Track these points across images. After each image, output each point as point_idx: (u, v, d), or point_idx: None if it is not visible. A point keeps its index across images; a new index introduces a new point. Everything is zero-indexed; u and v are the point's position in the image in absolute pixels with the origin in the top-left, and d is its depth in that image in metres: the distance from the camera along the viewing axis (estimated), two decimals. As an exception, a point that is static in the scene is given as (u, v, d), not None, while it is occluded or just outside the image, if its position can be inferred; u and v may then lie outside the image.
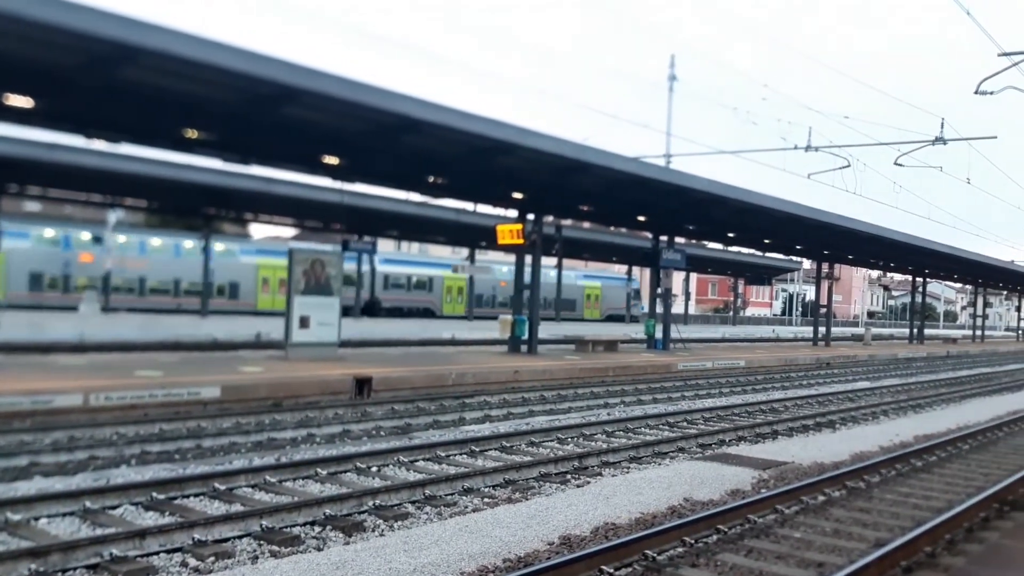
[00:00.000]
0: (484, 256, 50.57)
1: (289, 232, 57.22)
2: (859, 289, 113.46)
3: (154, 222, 42.93)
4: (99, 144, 20.36)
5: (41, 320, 27.71)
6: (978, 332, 64.82)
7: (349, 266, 37.13)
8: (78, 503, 7.86)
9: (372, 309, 48.19)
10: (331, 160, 18.67)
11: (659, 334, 30.41)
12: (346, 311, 26.37)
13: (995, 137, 42.34)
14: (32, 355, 19.05)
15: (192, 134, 16.29)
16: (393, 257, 53.57)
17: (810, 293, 65.48)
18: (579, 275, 62.95)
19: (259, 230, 54.76)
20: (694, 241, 43.89)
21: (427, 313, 52.90)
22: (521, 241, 24.24)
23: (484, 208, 32.43)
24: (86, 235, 40.13)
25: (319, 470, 9.63)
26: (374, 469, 10.02)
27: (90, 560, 6.50)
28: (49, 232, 39.47)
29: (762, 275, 72.80)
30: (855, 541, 7.49)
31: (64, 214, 42.97)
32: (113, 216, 37.51)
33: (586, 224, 42.46)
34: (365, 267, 46.94)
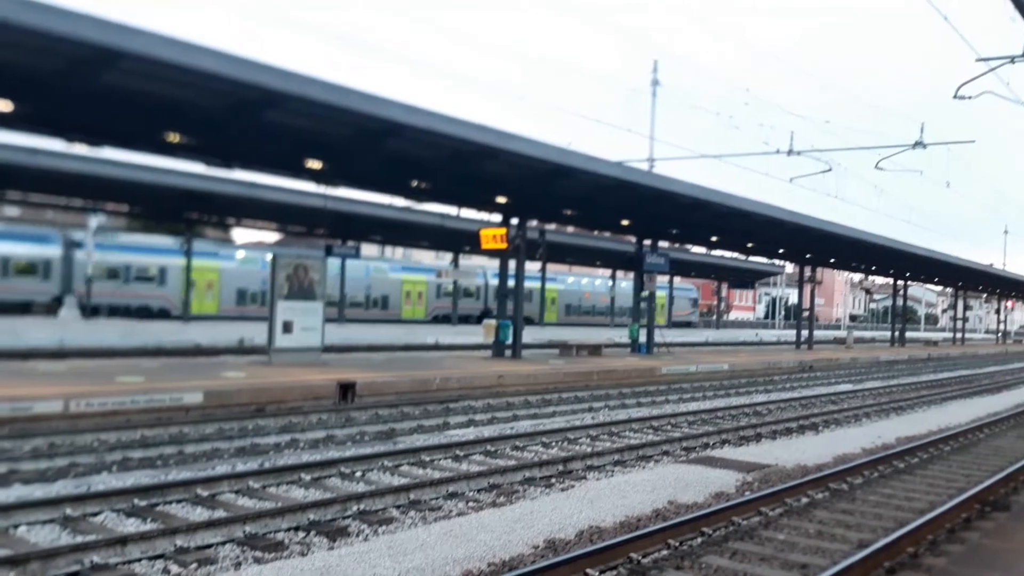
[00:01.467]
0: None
1: (272, 237, 57.03)
2: (841, 292, 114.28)
3: (136, 226, 42.64)
4: (80, 148, 20.23)
5: (18, 326, 27.46)
6: (959, 335, 65.38)
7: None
8: (58, 510, 7.77)
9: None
10: (314, 164, 18.62)
11: (643, 338, 30.47)
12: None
13: (973, 141, 42.73)
14: (10, 361, 18.86)
15: (174, 138, 16.20)
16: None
17: (793, 296, 66.04)
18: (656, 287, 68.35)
19: (242, 235, 54.11)
20: (677, 245, 44.04)
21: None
22: (504, 246, 24.24)
23: (468, 213, 32.44)
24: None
25: (303, 475, 9.58)
26: (358, 474, 9.98)
27: (71, 568, 6.43)
28: (246, 254, 47.05)
29: (745, 279, 73.10)
30: (838, 543, 7.53)
31: (47, 219, 42.74)
32: (94, 220, 37.23)
33: (570, 228, 42.54)
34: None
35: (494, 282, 52.56)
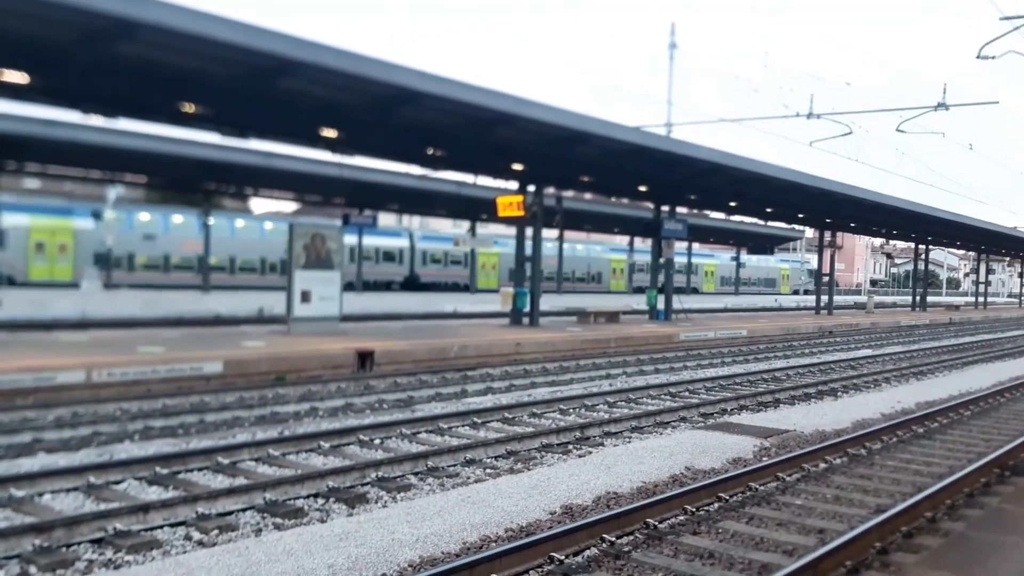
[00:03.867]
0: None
1: (290, 207, 57.12)
2: (862, 257, 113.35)
3: (153, 198, 42.79)
4: (96, 120, 20.25)
5: (41, 297, 27.75)
6: (981, 299, 64.77)
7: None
8: (82, 478, 7.90)
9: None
10: (329, 133, 18.57)
11: (661, 305, 30.39)
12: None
13: (997, 102, 42.03)
14: (34, 332, 19.07)
15: (190, 108, 16.19)
16: None
17: (812, 262, 66.51)
18: (779, 259, 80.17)
19: (259, 205, 54.15)
20: (695, 211, 43.71)
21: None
22: (522, 213, 24.14)
23: (484, 180, 32.30)
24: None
25: (322, 443, 9.67)
26: (377, 441, 10.05)
27: (94, 535, 6.53)
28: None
29: (764, 244, 72.78)
30: (856, 507, 7.53)
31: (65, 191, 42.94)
32: (113, 192, 37.37)
33: (587, 195, 42.30)
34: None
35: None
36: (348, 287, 28.24)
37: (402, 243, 51.24)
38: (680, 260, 53.88)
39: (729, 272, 71.82)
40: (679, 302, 31.96)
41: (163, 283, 39.90)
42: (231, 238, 43.98)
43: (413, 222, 64.16)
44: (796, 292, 76.70)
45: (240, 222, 44.62)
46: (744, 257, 72.45)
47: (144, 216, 41.15)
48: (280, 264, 43.51)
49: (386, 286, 49.03)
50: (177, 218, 41.97)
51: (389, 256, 50.46)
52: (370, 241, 47.17)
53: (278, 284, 39.02)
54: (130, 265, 40.34)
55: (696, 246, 66.59)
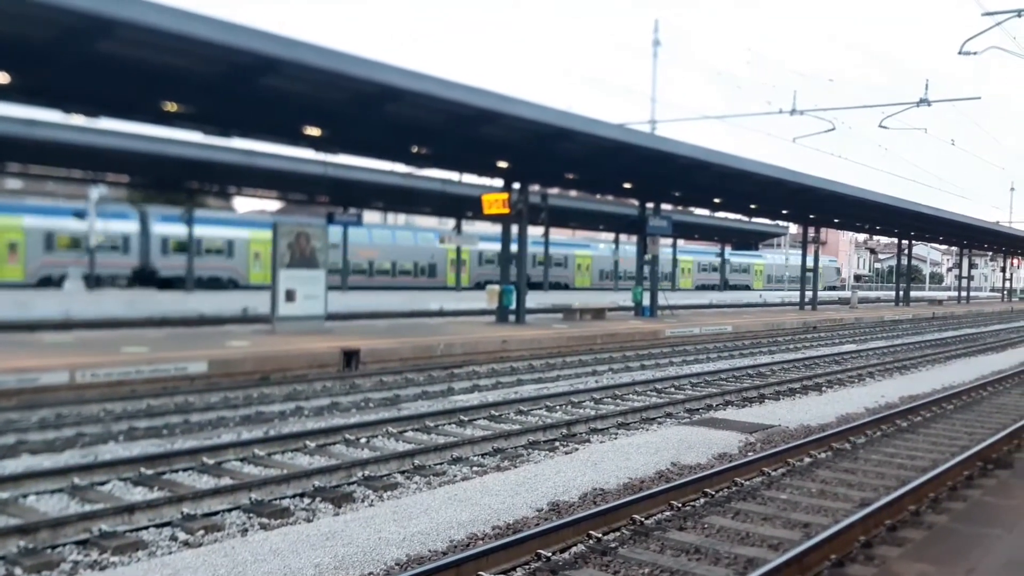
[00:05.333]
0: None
1: (273, 205, 56.98)
2: (845, 253, 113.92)
3: (136, 197, 42.52)
4: (78, 119, 20.13)
5: (24, 298, 27.53)
6: (963, 293, 65.27)
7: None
8: (66, 480, 7.84)
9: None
10: (313, 131, 18.50)
11: (647, 301, 30.46)
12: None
13: (979, 98, 42.34)
14: (17, 333, 18.92)
15: (172, 107, 16.09)
16: None
17: (796, 257, 67.40)
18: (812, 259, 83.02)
19: (243, 203, 54.14)
20: (680, 208, 43.86)
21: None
22: (507, 211, 24.14)
23: (470, 178, 32.29)
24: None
25: (308, 442, 9.64)
26: (363, 440, 10.03)
27: (79, 536, 6.49)
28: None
29: (749, 240, 73.21)
30: (841, 501, 7.58)
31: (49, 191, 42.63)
32: (95, 192, 37.14)
33: (572, 192, 42.37)
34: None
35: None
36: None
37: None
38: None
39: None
40: (664, 298, 32.04)
41: (369, 284, 47.73)
42: (393, 245, 51.07)
43: (400, 219, 64.30)
44: (831, 289, 78.96)
45: (402, 233, 51.88)
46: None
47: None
48: (429, 268, 51.69)
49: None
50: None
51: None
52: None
53: (427, 285, 50.64)
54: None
55: (681, 242, 67.62)
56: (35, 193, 42.93)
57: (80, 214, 38.84)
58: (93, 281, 38.48)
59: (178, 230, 40.50)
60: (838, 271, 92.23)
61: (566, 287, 57.99)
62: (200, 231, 40.94)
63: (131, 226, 41.56)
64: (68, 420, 10.68)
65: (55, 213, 39.52)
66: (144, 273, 41.81)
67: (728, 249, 74.03)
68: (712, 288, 67.60)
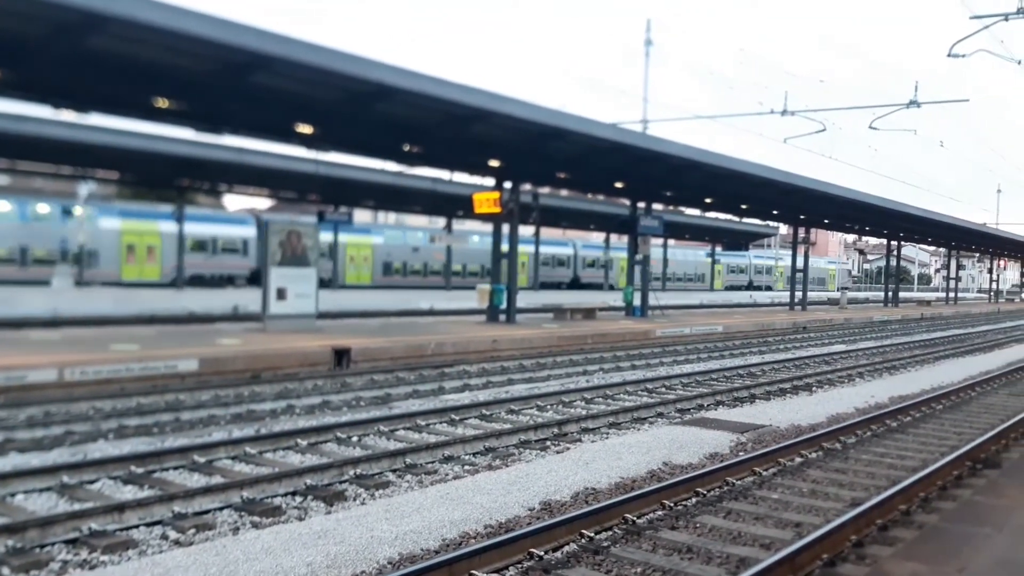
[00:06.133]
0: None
1: (264, 203, 56.82)
2: (835, 253, 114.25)
3: (125, 194, 42.36)
4: (68, 115, 20.00)
5: (10, 295, 27.37)
6: (951, 294, 65.59)
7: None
8: (55, 478, 7.79)
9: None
10: (304, 129, 18.44)
11: (637, 301, 30.50)
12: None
13: (967, 100, 42.58)
14: (4, 330, 18.81)
15: (163, 103, 16.00)
16: None
17: (787, 258, 68.31)
18: (828, 261, 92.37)
19: (233, 201, 53.99)
20: (671, 208, 43.93)
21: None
22: (498, 210, 24.12)
23: (461, 177, 32.27)
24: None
25: (299, 441, 9.61)
26: (354, 439, 10.01)
27: (69, 535, 6.45)
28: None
29: (739, 240, 73.39)
30: (832, 501, 7.60)
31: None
32: (85, 189, 36.96)
33: (564, 192, 42.37)
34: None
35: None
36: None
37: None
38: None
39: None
40: (655, 298, 32.09)
41: (421, 285, 51.39)
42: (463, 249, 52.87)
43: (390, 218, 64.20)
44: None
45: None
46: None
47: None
48: (481, 269, 53.80)
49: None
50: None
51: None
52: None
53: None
54: (404, 271, 52.70)
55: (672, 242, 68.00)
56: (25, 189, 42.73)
57: (210, 220, 44.81)
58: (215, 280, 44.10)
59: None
60: (848, 272, 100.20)
61: (611, 288, 61.80)
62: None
63: (250, 231, 46.59)
64: (57, 418, 10.62)
65: (190, 219, 43.57)
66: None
67: (753, 252, 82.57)
68: (740, 289, 74.39)
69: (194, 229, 41.38)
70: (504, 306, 24.83)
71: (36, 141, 25.06)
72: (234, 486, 7.71)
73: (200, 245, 43.58)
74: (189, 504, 7.27)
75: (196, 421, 10.78)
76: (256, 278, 40.22)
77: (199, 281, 42.66)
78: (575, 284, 60.60)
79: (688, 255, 73.19)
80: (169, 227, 39.78)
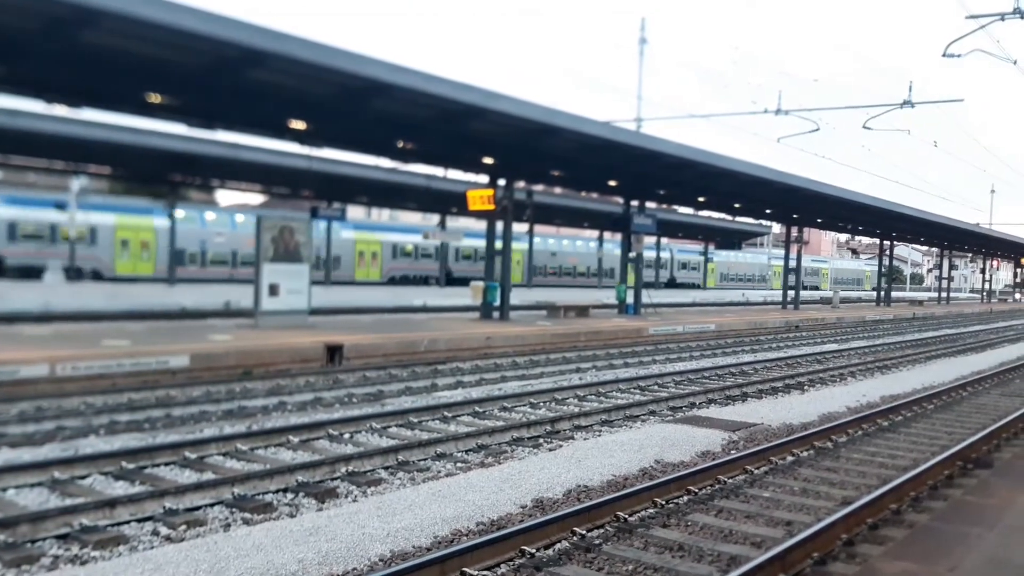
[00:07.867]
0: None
1: (257, 199, 56.63)
2: (828, 253, 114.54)
3: (118, 189, 42.20)
4: (61, 109, 19.92)
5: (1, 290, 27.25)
6: (944, 294, 65.80)
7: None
8: (46, 473, 7.77)
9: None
10: (298, 125, 18.40)
11: (630, 299, 30.52)
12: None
13: (962, 100, 42.74)
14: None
15: (155, 99, 15.95)
16: None
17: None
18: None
19: (226, 197, 53.82)
20: (665, 206, 43.95)
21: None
22: (492, 207, 24.11)
23: (454, 174, 32.22)
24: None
25: (291, 437, 9.60)
26: (346, 436, 10.00)
27: (60, 530, 6.43)
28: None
29: (732, 239, 73.40)
30: (823, 500, 7.62)
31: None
32: (76, 184, 36.80)
33: (557, 190, 42.35)
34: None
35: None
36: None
37: None
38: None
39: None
40: (648, 296, 32.11)
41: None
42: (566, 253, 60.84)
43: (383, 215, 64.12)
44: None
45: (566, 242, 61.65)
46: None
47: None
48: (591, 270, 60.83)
49: None
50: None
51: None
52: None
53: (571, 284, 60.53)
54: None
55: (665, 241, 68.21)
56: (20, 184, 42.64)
57: (417, 232, 49.33)
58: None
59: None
60: (879, 274, 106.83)
61: (697, 287, 70.60)
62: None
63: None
64: (48, 413, 10.59)
65: (400, 230, 53.96)
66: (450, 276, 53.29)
67: (773, 252, 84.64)
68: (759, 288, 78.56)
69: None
70: (498, 303, 24.83)
71: (27, 135, 24.91)
72: (225, 482, 7.70)
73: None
74: (180, 500, 7.25)
75: (187, 417, 10.75)
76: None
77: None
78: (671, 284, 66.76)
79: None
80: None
